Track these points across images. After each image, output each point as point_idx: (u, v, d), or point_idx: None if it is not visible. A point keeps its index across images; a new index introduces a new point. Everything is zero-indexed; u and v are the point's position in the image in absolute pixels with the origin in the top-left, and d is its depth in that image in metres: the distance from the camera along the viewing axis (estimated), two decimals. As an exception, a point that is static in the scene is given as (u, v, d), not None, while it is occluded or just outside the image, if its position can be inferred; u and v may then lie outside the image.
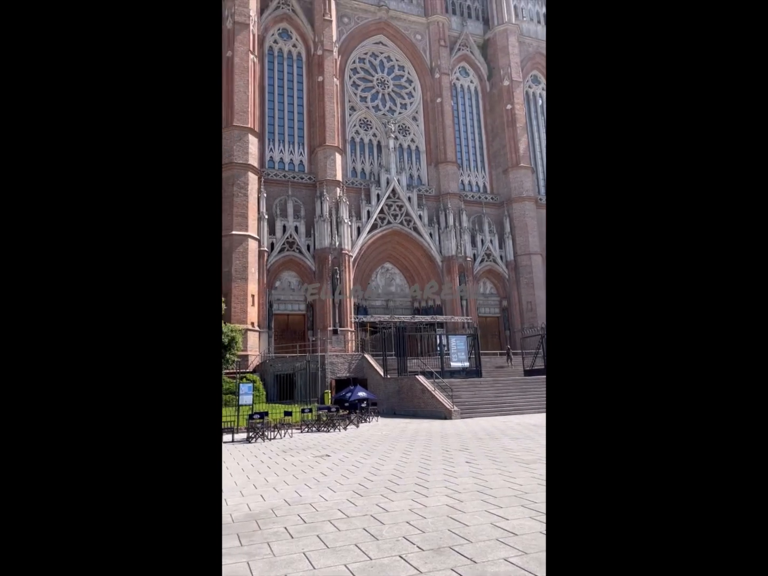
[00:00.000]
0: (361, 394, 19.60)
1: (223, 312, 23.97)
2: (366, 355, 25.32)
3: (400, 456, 10.02)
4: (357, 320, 31.74)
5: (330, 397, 22.71)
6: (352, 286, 31.65)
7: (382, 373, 23.16)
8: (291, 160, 34.02)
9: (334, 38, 35.49)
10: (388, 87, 38.30)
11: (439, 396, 19.55)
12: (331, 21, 35.44)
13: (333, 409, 17.35)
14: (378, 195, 34.15)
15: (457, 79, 40.81)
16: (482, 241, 36.83)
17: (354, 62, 37.62)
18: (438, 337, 25.74)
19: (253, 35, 32.28)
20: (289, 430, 15.52)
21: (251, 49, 31.80)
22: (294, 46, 35.76)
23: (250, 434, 14.10)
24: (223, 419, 15.06)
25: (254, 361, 27.43)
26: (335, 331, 30.13)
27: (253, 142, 30.80)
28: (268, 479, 8.12)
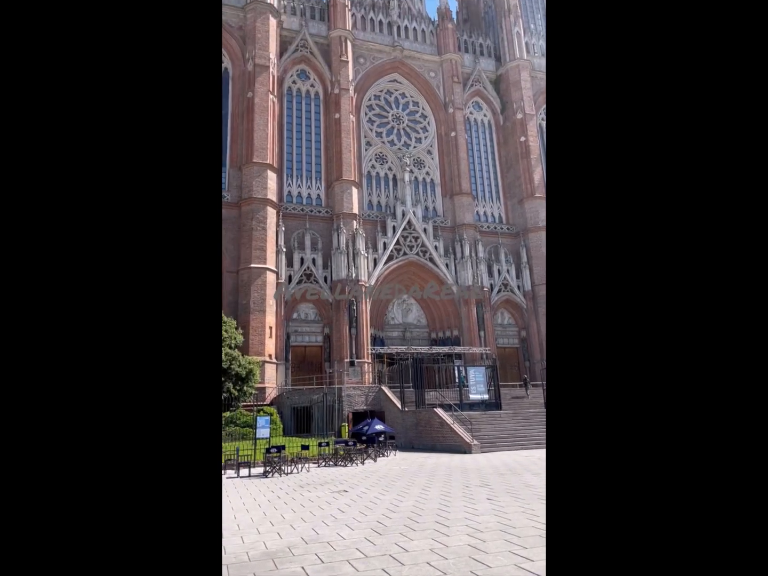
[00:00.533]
0: (379, 427, 19.33)
1: (240, 344, 24.12)
2: (383, 387, 25.09)
3: (419, 492, 9.79)
4: (374, 351, 31.61)
5: (347, 430, 22.43)
6: (368, 317, 31.67)
7: (399, 406, 22.86)
8: (309, 194, 34.76)
9: (351, 77, 36.72)
10: (403, 122, 39.23)
11: (458, 429, 19.16)
12: (347, 61, 36.75)
13: (350, 443, 17.11)
14: (394, 227, 34.53)
15: (471, 113, 41.65)
16: (499, 271, 36.73)
17: (370, 99, 38.75)
18: (456, 368, 25.44)
19: (273, 77, 33.59)
20: (306, 465, 15.32)
21: (271, 89, 33.03)
22: (312, 85, 37.07)
23: (267, 468, 13.95)
24: (241, 453, 14.96)
25: (271, 393, 27.36)
26: (352, 363, 30.00)
27: (271, 178, 31.63)
28: (284, 516, 7.99)
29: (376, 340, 33.15)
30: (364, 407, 24.35)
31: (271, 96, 32.93)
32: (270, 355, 28.39)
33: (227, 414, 21.03)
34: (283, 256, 30.94)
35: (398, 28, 40.36)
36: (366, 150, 37.48)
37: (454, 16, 43.04)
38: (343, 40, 37.13)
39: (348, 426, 22.99)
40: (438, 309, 35.30)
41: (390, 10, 40.64)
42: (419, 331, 35.53)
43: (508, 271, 36.83)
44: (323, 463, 16.08)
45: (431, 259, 34.72)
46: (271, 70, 33.38)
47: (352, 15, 38.93)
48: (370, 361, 30.95)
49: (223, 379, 21.59)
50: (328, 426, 23.16)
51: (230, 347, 22.74)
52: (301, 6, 37.99)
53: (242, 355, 23.48)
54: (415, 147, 38.92)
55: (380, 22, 40.17)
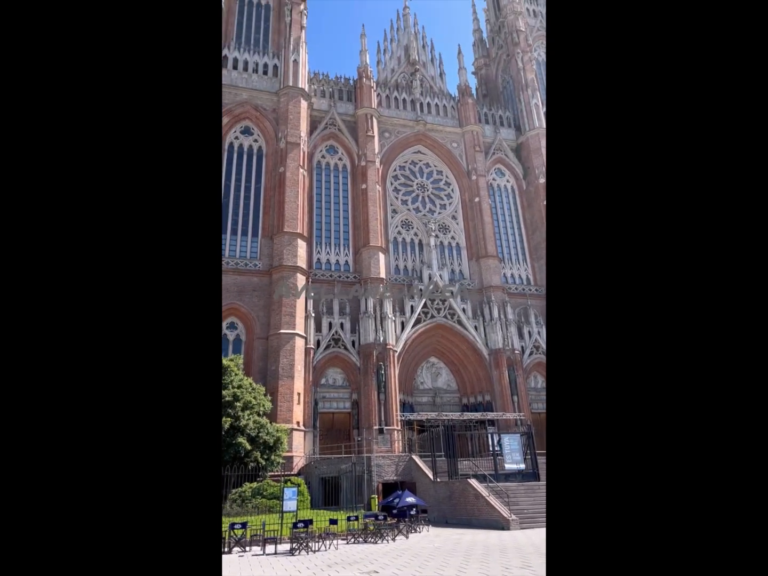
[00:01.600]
0: (410, 500, 18.41)
1: (269, 411, 23.93)
2: (414, 456, 24.16)
3: (455, 574, 9.13)
4: (403, 418, 30.78)
5: (377, 502, 21.44)
6: (397, 382, 31.17)
7: (431, 476, 21.86)
8: (337, 260, 35.63)
9: (376, 150, 38.64)
10: (428, 190, 40.56)
11: (495, 503, 18.07)
12: (373, 136, 38.86)
13: (380, 517, 16.29)
14: (421, 290, 34.74)
15: (494, 179, 42.83)
16: (529, 333, 36.04)
17: (395, 170, 40.45)
18: (489, 436, 24.39)
19: (303, 152, 35.67)
20: (335, 541, 14.58)
21: (301, 164, 34.96)
22: (340, 159, 39.10)
23: (294, 545, 13.33)
24: (267, 528, 14.41)
25: (299, 462, 26.67)
26: (381, 431, 29.20)
27: (301, 246, 32.70)
28: (312, 599, 7.52)
29: (405, 406, 32.38)
30: (394, 478, 23.37)
31: (301, 170, 34.79)
32: (298, 422, 27.97)
33: (254, 485, 20.49)
34: (312, 322, 31.26)
35: (421, 104, 42.79)
36: (392, 217, 38.63)
37: (473, 92, 45.43)
38: (369, 117, 39.49)
39: (378, 498, 22.00)
40: (468, 373, 34.53)
41: (413, 89, 43.33)
42: (449, 396, 34.61)
43: (539, 332, 36.10)
44: (352, 540, 15.27)
45: (459, 322, 34.46)
46: (301, 146, 35.50)
47: (377, 95, 41.61)
48: (399, 428, 30.08)
49: (251, 447, 21.26)
50: (357, 497, 22.21)
51: (258, 414, 22.57)
52: (330, 89, 40.94)
53: (270, 423, 23.21)
54: (440, 213, 39.92)
55: (404, 99, 42.75)
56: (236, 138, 36.45)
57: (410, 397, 33.36)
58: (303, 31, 40.30)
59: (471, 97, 44.30)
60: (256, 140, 36.81)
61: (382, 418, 29.73)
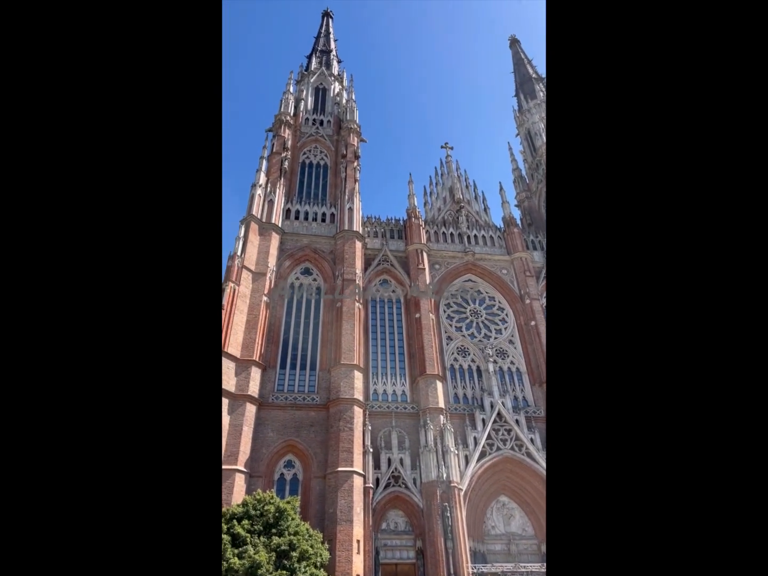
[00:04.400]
0: None
1: (326, 562, 21.97)
2: (491, 620, 20.78)
3: None
4: (475, 570, 27.18)
5: None
6: (465, 526, 28.18)
7: (514, 647, 18.48)
8: (393, 390, 35.11)
9: (428, 281, 40.11)
10: (481, 316, 40.73)
11: None
12: (424, 269, 40.68)
13: None
14: (483, 420, 33.00)
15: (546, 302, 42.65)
16: (609, 465, 32.48)
17: (447, 298, 41.38)
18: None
19: (358, 287, 37.59)
20: None
21: (356, 298, 36.65)
22: (393, 291, 40.72)
23: None
24: None
25: (359, 626, 23.55)
26: (451, 586, 25.73)
27: (358, 377, 32.74)
28: None
29: (476, 555, 28.78)
30: (470, 648, 19.91)
31: (357, 304, 36.33)
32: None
33: None
34: (370, 458, 29.91)
35: (468, 237, 45.09)
36: (447, 344, 38.51)
37: (518, 222, 47.66)
38: (419, 251, 41.79)
39: None
40: (545, 514, 30.80)
41: (459, 224, 46.10)
42: (526, 544, 30.59)
43: (619, 464, 32.47)
44: None
45: (528, 454, 31.81)
46: (357, 282, 37.55)
47: (426, 231, 44.45)
48: (471, 583, 26.43)
49: (306, 606, 19.20)
50: None
51: (315, 566, 20.73)
52: (382, 230, 44.34)
53: (328, 576, 21.15)
54: (496, 338, 39.47)
55: (451, 234, 45.31)
56: (296, 278, 39.24)
57: (481, 544, 29.79)
58: (357, 183, 45.17)
59: (516, 227, 46.28)
60: (315, 279, 39.42)
61: (451, 571, 26.40)
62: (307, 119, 51.91)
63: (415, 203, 46.20)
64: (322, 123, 51.98)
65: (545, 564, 27.81)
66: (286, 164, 45.21)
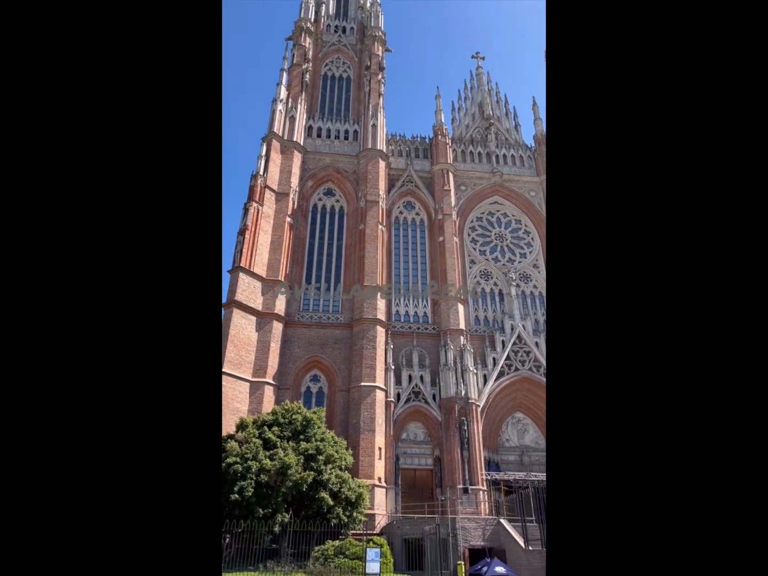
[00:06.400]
0: (500, 569, 17.11)
1: (350, 465, 23.76)
2: (502, 521, 22.57)
3: None
4: (489, 477, 29.14)
5: (463, 570, 20.10)
6: (481, 438, 29.82)
7: (522, 544, 20.24)
8: (416, 312, 35.76)
9: (453, 203, 39.25)
10: (506, 240, 40.13)
11: (596, 579, 16.22)
12: (449, 190, 39.64)
13: (468, 587, 15.21)
14: (503, 341, 33.67)
15: (575, 225, 41.56)
16: (625, 387, 33.28)
17: (472, 222, 40.65)
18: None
19: (382, 210, 37.11)
20: (419, 610, 13.76)
21: (380, 221, 36.33)
22: (417, 214, 40.12)
23: (377, 611, 12.75)
24: (349, 589, 13.96)
25: (381, 521, 25.93)
26: (465, 490, 27.78)
27: (381, 299, 33.34)
28: None
29: (491, 464, 30.70)
30: (481, 543, 21.89)
31: (380, 226, 36.08)
32: (379, 478, 27.43)
33: (336, 543, 20.13)
34: (392, 374, 31.21)
35: (497, 156, 43.27)
36: (470, 268, 38.43)
37: (549, 140, 45.23)
38: (444, 172, 40.51)
39: (464, 565, 20.63)
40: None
41: (488, 142, 44.07)
42: (538, 455, 32.36)
43: (635, 387, 33.22)
44: (438, 610, 14.32)
45: (546, 375, 32.69)
46: (380, 204, 37.01)
47: (453, 150, 42.74)
48: (485, 488, 28.46)
49: (333, 503, 21.09)
50: (443, 562, 20.97)
51: (340, 468, 22.46)
52: (407, 149, 42.77)
53: (352, 478, 22.98)
54: (520, 262, 39.14)
55: (479, 153, 43.50)
56: (320, 199, 38.85)
57: (495, 455, 31.65)
58: (381, 97, 43.00)
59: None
60: (338, 200, 38.98)
61: (466, 477, 28.35)
62: (328, 26, 48.58)
63: (442, 120, 44.06)
64: (344, 30, 48.65)
65: (555, 474, 29.58)
66: (307, 77, 43.06)
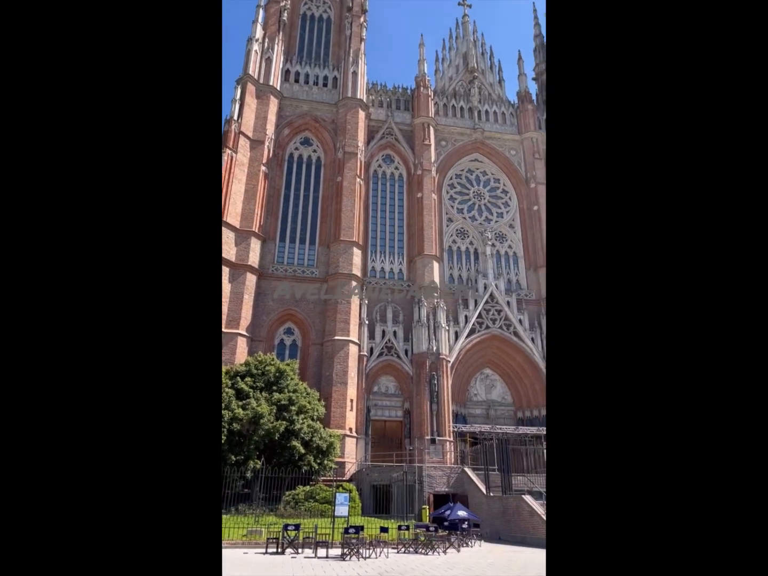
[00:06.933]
0: (462, 513, 18.06)
1: (322, 416, 24.30)
2: (466, 469, 23.71)
3: (509, 593, 8.82)
4: (456, 429, 30.32)
5: (428, 513, 21.19)
6: (450, 392, 30.77)
7: (484, 491, 21.36)
8: (391, 269, 35.80)
9: (433, 159, 38.63)
10: (484, 198, 40.02)
11: (551, 522, 17.34)
12: (429, 145, 38.90)
13: (431, 529, 16.07)
14: (476, 300, 34.21)
15: (553, 187, 41.62)
16: (590, 346, 34.51)
17: (451, 178, 40.23)
18: (545, 452, 23.53)
19: (360, 162, 36.27)
20: (385, 549, 14.53)
21: (358, 173, 35.57)
22: (396, 168, 39.40)
23: (345, 551, 13.41)
24: (319, 532, 14.59)
25: (351, 468, 26.87)
26: (433, 441, 28.91)
27: (357, 254, 33.16)
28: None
29: (458, 417, 31.88)
30: (446, 489, 23.02)
31: (358, 179, 35.37)
32: (350, 429, 28.21)
33: (307, 488, 20.84)
34: (366, 329, 31.52)
35: (479, 112, 42.40)
36: (447, 226, 38.38)
37: (534, 98, 44.45)
38: (425, 126, 39.59)
39: (429, 509, 21.74)
40: (524, 386, 33.52)
41: (471, 96, 43.02)
42: (504, 410, 33.72)
43: (600, 346, 34.48)
44: (403, 549, 15.15)
45: (515, 333, 33.60)
46: (358, 156, 36.12)
47: (435, 103, 41.65)
48: (451, 439, 29.64)
49: (304, 451, 21.67)
50: (408, 507, 22.05)
51: (312, 419, 22.98)
52: (388, 99, 41.44)
53: (324, 428, 23.56)
54: (496, 221, 39.24)
55: (461, 108, 42.53)
56: (296, 149, 37.64)
57: (463, 408, 32.82)
58: (362, 43, 41.15)
59: (531, 104, 43.37)
60: (315, 150, 37.85)
61: (435, 429, 29.43)
62: (308, -39, 45.53)
63: (425, 70, 42.64)
64: (325, -34, 45.72)
65: (518, 427, 30.98)
66: (285, 15, 40.69)
